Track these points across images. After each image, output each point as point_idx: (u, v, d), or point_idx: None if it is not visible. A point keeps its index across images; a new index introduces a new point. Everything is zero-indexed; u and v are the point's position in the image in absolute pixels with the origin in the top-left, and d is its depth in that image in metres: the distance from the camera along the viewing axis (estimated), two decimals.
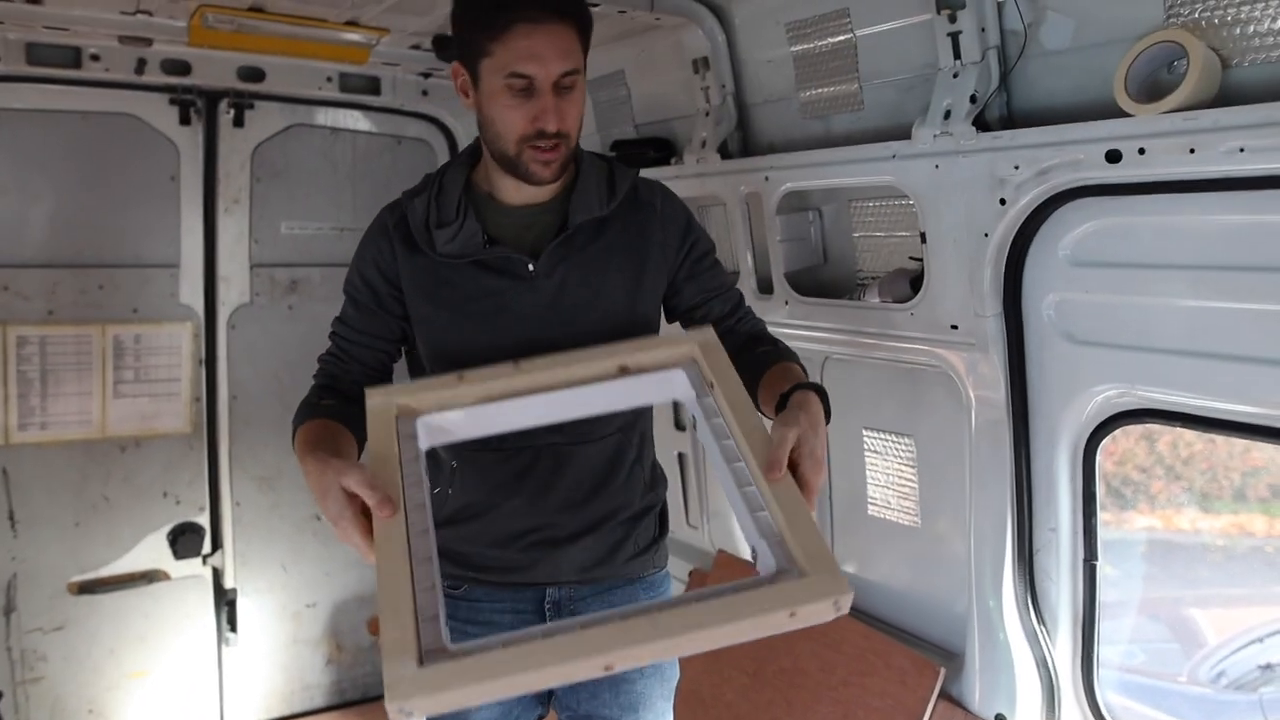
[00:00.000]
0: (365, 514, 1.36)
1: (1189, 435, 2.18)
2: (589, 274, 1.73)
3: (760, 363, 1.69)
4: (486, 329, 1.70)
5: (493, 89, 1.60)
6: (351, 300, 1.79)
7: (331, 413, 1.66)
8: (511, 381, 1.57)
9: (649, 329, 1.81)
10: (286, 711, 3.81)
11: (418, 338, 1.76)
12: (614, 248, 1.75)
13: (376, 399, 1.56)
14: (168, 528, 3.55)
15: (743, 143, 2.78)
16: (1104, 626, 2.16)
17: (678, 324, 1.88)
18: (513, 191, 1.72)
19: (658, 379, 1.60)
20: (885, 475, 2.59)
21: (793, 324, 2.63)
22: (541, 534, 1.80)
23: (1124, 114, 1.74)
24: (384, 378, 1.79)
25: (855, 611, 2.65)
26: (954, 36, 2.04)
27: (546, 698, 1.91)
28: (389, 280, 1.74)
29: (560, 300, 1.71)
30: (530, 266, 1.70)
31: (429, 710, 1.15)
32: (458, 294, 1.70)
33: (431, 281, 1.71)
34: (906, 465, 2.53)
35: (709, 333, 1.62)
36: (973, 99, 2.02)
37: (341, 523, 1.36)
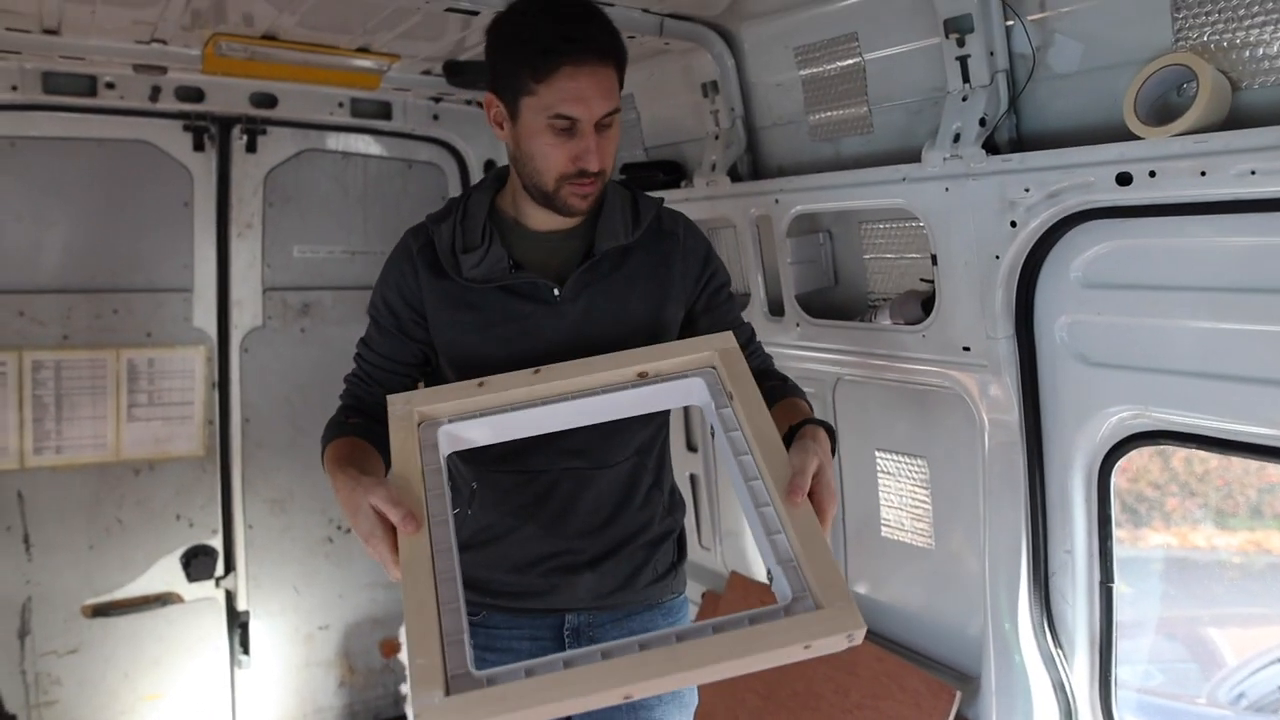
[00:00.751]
0: (394, 530, 1.39)
1: (1203, 452, 2.17)
2: (612, 300, 1.74)
3: (768, 397, 1.70)
4: (511, 353, 1.70)
5: (534, 127, 1.61)
6: (375, 323, 1.81)
7: (358, 431, 1.68)
8: (531, 388, 1.59)
9: None
10: None
11: (442, 361, 1.78)
12: (637, 275, 1.77)
13: (398, 406, 1.59)
14: (181, 550, 3.56)
15: (752, 166, 2.80)
16: (1122, 647, 2.15)
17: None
18: (539, 218, 1.74)
19: (676, 385, 1.62)
20: (898, 497, 2.59)
21: (804, 346, 2.63)
22: (560, 559, 1.81)
23: (1134, 137, 1.75)
24: (381, 385, 1.80)
25: (869, 634, 2.65)
26: (963, 60, 2.05)
27: None
28: (411, 305, 1.75)
29: (584, 326, 1.72)
30: (556, 292, 1.71)
31: None
32: (483, 318, 1.71)
33: (456, 306, 1.72)
34: (919, 487, 2.52)
35: (729, 339, 1.64)
36: (982, 122, 2.03)
37: (372, 540, 1.40)
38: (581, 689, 1.20)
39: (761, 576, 3.03)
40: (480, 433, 1.61)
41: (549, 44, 1.56)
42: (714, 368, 1.62)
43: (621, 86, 1.66)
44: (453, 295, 1.72)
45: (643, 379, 1.62)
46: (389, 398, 1.60)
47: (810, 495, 1.40)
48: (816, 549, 1.32)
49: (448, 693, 1.21)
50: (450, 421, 1.59)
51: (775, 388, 1.75)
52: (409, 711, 3.53)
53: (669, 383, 1.62)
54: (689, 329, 1.86)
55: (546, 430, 1.64)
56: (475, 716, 1.18)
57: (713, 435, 1.64)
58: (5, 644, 3.26)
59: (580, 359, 1.63)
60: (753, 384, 1.57)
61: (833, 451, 1.53)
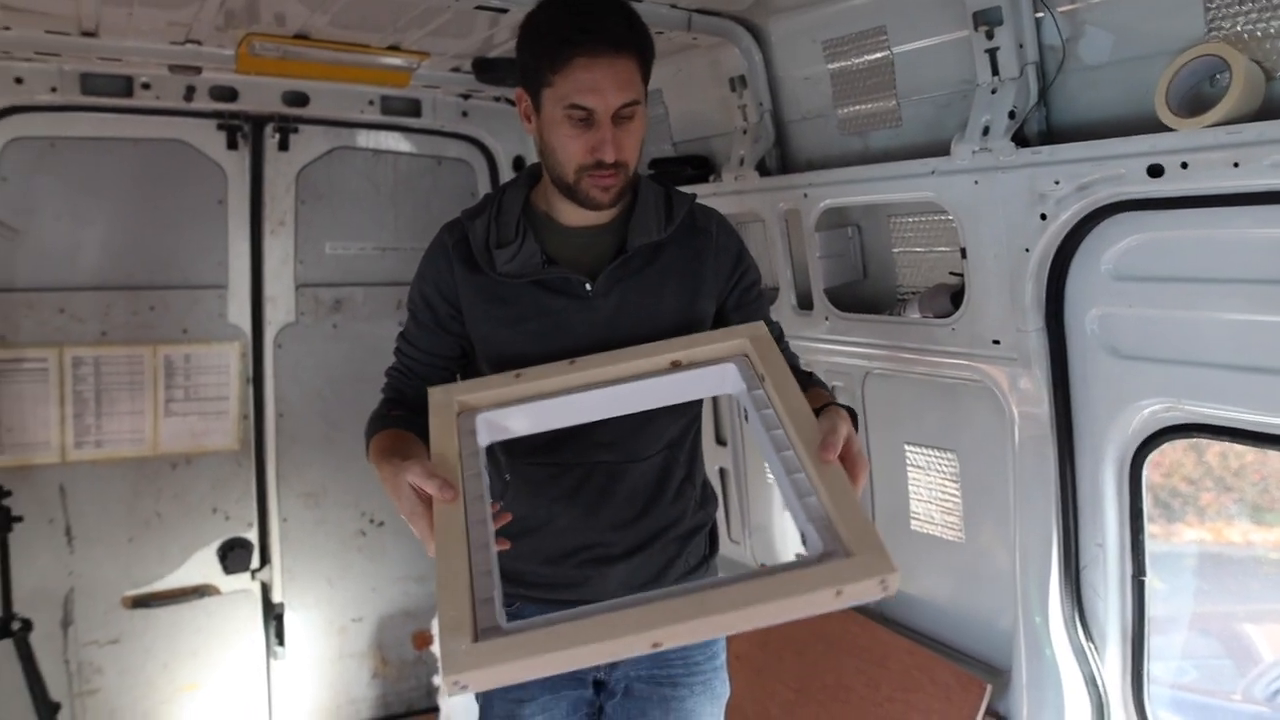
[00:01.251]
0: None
1: (1239, 446, 2.15)
2: (645, 295, 1.76)
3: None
4: (544, 347, 1.73)
5: (553, 118, 1.64)
6: (413, 317, 1.84)
7: (401, 423, 1.72)
8: (567, 377, 1.62)
9: None
10: None
11: (478, 355, 1.80)
12: (670, 271, 1.78)
13: (438, 396, 1.63)
14: (217, 543, 3.62)
15: (781, 160, 2.80)
16: (1154, 642, 2.14)
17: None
18: (572, 213, 1.76)
19: (709, 372, 1.64)
20: (928, 490, 2.58)
21: (833, 340, 2.64)
22: (592, 551, 1.83)
23: (1165, 128, 1.74)
24: (422, 378, 1.83)
25: (899, 627, 2.66)
26: (992, 53, 2.04)
27: (596, 715, 1.93)
28: (447, 300, 1.78)
29: (616, 320, 1.74)
30: (588, 287, 1.73)
31: (481, 683, 1.19)
32: (516, 313, 1.74)
33: (490, 300, 1.75)
34: (949, 480, 2.52)
35: (760, 327, 1.66)
36: (1011, 114, 2.02)
37: (414, 518, 1.44)
38: (610, 634, 1.19)
39: None
40: (517, 421, 1.64)
41: (565, 35, 1.58)
42: (746, 355, 1.63)
43: (646, 79, 1.66)
44: (487, 290, 1.75)
45: (676, 367, 1.64)
46: (430, 389, 1.64)
47: (841, 460, 1.41)
48: (847, 505, 1.31)
49: (475, 641, 1.21)
50: (488, 410, 1.62)
51: (807, 378, 1.76)
52: (441, 704, 3.58)
53: (702, 369, 1.64)
54: (719, 325, 1.87)
55: (583, 419, 1.66)
56: (502, 660, 1.18)
57: (745, 419, 1.65)
58: (49, 634, 3.32)
59: (614, 350, 1.66)
60: (785, 366, 1.59)
61: None
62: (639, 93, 1.64)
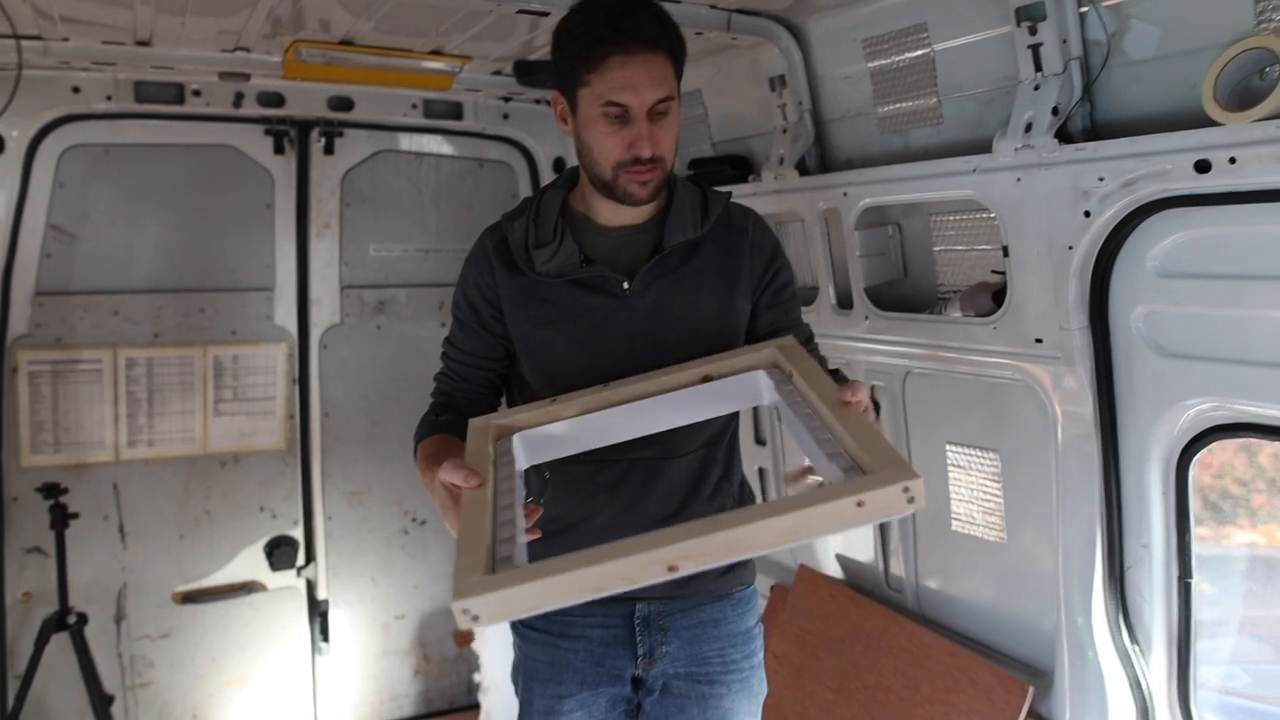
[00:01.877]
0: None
1: None
2: (681, 294, 1.78)
3: None
4: (582, 345, 1.76)
5: (590, 117, 1.67)
6: (458, 321, 1.88)
7: (447, 427, 1.76)
8: (602, 396, 1.66)
9: (735, 346, 1.84)
10: None
11: (518, 353, 1.83)
12: (706, 269, 1.80)
13: (477, 423, 1.67)
14: (264, 540, 3.69)
15: (820, 159, 2.79)
16: (1203, 646, 2.11)
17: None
18: (609, 213, 1.78)
19: (741, 382, 1.66)
20: (970, 490, 2.56)
21: (873, 339, 2.63)
22: None
23: (1213, 123, 1.71)
24: (493, 395, 1.89)
25: (940, 628, 2.64)
26: (1034, 48, 2.03)
27: (635, 712, 1.94)
28: (489, 301, 1.81)
29: (653, 318, 1.76)
30: (625, 286, 1.75)
31: (493, 611, 1.17)
32: (555, 311, 1.76)
33: (530, 300, 1.78)
34: (991, 480, 2.50)
35: (789, 339, 1.69)
36: (1055, 111, 2.00)
37: (446, 512, 1.50)
38: (623, 556, 1.17)
39: (830, 569, 3.03)
40: (554, 442, 1.68)
41: (599, 34, 1.62)
42: (776, 363, 1.66)
43: (679, 75, 1.69)
44: (526, 290, 1.77)
45: (707, 380, 1.67)
46: (470, 421, 1.68)
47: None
48: (869, 437, 1.30)
49: (489, 573, 1.21)
50: (524, 431, 1.66)
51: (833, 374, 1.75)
52: (482, 700, 3.61)
53: (734, 380, 1.66)
54: (750, 323, 1.88)
55: (619, 438, 1.69)
56: (513, 584, 1.17)
57: (779, 419, 1.66)
58: (104, 628, 3.41)
59: (646, 372, 1.68)
60: (812, 360, 1.61)
61: None
62: (673, 88, 1.67)
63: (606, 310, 1.75)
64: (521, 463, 1.64)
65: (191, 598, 3.57)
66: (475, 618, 1.16)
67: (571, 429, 1.67)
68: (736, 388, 1.67)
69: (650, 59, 1.63)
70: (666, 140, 1.69)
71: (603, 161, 1.69)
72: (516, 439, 1.65)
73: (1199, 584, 2.09)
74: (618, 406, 1.65)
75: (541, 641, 1.88)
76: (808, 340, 1.89)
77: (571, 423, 1.66)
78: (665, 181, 1.75)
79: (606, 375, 1.73)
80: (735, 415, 1.93)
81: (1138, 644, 2.14)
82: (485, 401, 1.86)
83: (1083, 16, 1.98)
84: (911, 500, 1.17)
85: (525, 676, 1.90)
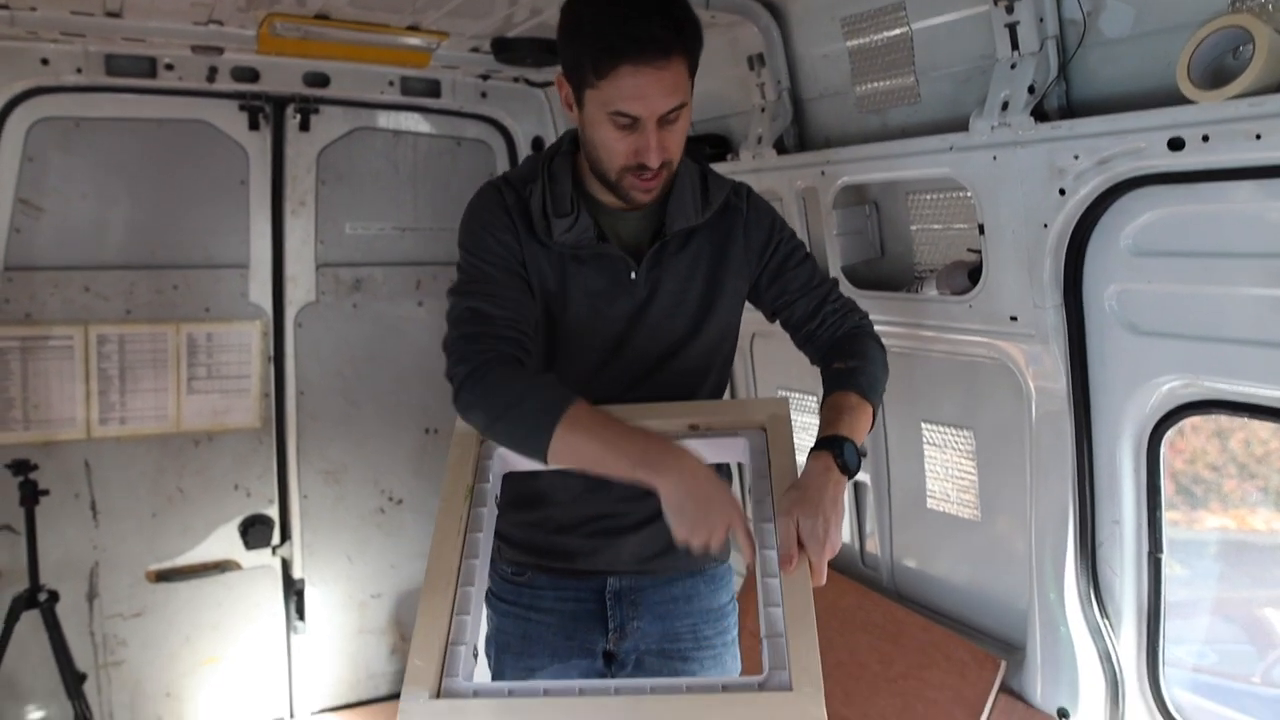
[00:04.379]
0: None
1: (1263, 433, 2.13)
2: (677, 282, 1.77)
3: (827, 387, 1.72)
4: (578, 327, 1.74)
5: (596, 119, 1.60)
6: (488, 266, 1.68)
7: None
8: None
9: (727, 333, 1.85)
10: (353, 699, 3.91)
11: None
12: (701, 254, 1.78)
13: (463, 426, 1.67)
14: (239, 519, 3.67)
15: (799, 138, 2.79)
16: (1175, 626, 2.13)
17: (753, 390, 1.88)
18: (612, 196, 1.73)
19: (723, 441, 1.69)
20: (944, 468, 2.58)
21: None
22: (603, 522, 1.84)
23: (1187, 101, 1.72)
24: (528, 337, 1.68)
25: (914, 604, 2.67)
26: (1011, 27, 2.03)
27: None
28: (515, 254, 1.70)
29: (650, 306, 1.75)
30: (633, 275, 1.74)
31: None
32: (562, 288, 1.73)
33: (544, 270, 1.72)
34: (966, 458, 2.52)
35: (783, 405, 1.70)
36: (1031, 89, 2.01)
37: (736, 522, 1.46)
38: None
39: None
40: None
41: (610, 41, 1.51)
42: (761, 429, 1.67)
43: (694, 73, 1.61)
44: (543, 258, 1.72)
45: (693, 431, 1.68)
46: (457, 424, 1.66)
47: (805, 543, 1.44)
48: (802, 626, 1.37)
49: (434, 697, 1.32)
50: None
51: (834, 375, 1.72)
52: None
53: (717, 438, 1.68)
54: (758, 300, 1.88)
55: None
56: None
57: (748, 494, 1.68)
58: (76, 606, 3.38)
59: (639, 405, 1.69)
60: (792, 457, 1.61)
61: (845, 466, 1.54)
62: (686, 94, 1.58)
63: (609, 295, 1.74)
64: (500, 469, 1.66)
65: (165, 576, 3.54)
66: None
67: None
68: (718, 446, 1.70)
69: (663, 68, 1.52)
70: (675, 144, 1.63)
71: (607, 162, 1.64)
72: (499, 453, 1.66)
73: (1171, 566, 2.12)
74: None
75: (513, 615, 1.88)
76: (820, 305, 1.83)
77: None
78: (670, 181, 1.71)
79: (602, 357, 1.74)
80: (720, 390, 1.93)
81: (1108, 619, 2.17)
82: (528, 350, 1.68)
83: None
84: None
85: (497, 649, 1.90)
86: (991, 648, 2.41)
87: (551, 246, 1.71)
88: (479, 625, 1.46)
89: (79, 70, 3.12)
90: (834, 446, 1.55)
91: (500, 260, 1.68)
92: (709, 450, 1.68)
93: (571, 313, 1.74)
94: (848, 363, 1.74)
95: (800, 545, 1.44)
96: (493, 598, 1.90)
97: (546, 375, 1.65)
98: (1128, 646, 2.15)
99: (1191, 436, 2.15)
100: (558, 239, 1.70)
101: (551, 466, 1.54)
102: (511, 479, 1.79)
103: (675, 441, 1.52)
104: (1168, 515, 2.09)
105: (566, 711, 1.32)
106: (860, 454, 1.58)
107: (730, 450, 1.71)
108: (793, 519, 1.45)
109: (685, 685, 1.36)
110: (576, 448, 1.49)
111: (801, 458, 1.59)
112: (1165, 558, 2.10)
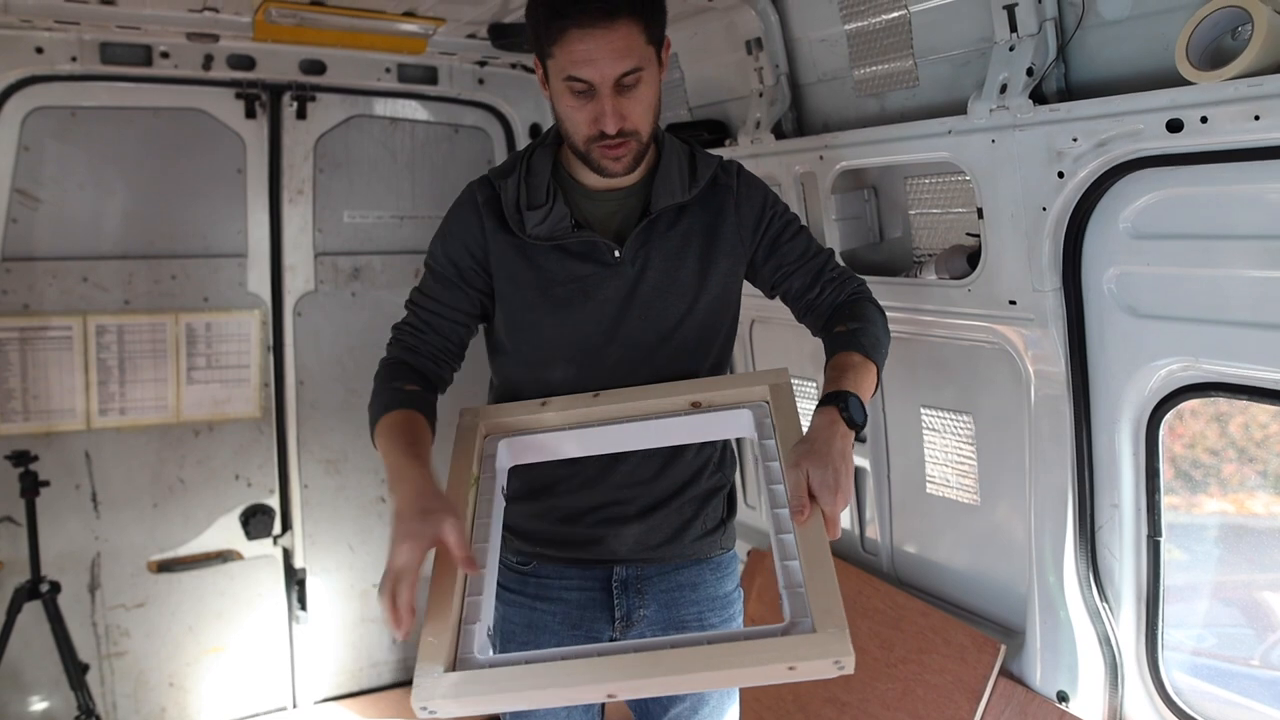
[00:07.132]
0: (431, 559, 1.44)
1: (1263, 417, 2.13)
2: (668, 259, 1.75)
3: (829, 350, 1.71)
4: (568, 313, 1.73)
5: (557, 90, 1.62)
6: (433, 273, 1.80)
7: (413, 400, 1.66)
8: (590, 410, 1.69)
9: (724, 311, 1.84)
10: (355, 688, 3.92)
11: (498, 315, 1.79)
12: (692, 231, 1.77)
13: (466, 419, 1.68)
14: (240, 509, 3.68)
15: (797, 122, 2.78)
16: (1174, 610, 2.13)
17: (752, 363, 1.89)
18: (594, 177, 1.74)
19: (726, 416, 1.69)
20: (944, 453, 2.58)
21: None
22: (608, 511, 1.84)
23: (1185, 82, 1.71)
24: (460, 351, 1.81)
25: (914, 589, 2.67)
26: (1010, 9, 2.02)
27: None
28: (474, 256, 1.75)
29: (640, 286, 1.74)
30: (616, 254, 1.73)
31: (451, 710, 1.28)
32: (543, 277, 1.73)
33: (518, 262, 1.73)
34: (965, 443, 2.52)
35: (783, 375, 1.70)
36: (1029, 72, 2.00)
37: (402, 576, 1.38)
38: (570, 680, 1.28)
39: None
40: (539, 449, 1.71)
41: (556, 6, 1.54)
42: (765, 402, 1.67)
43: (656, 40, 1.61)
44: (515, 251, 1.73)
45: (695, 409, 1.69)
46: (461, 410, 1.67)
47: (817, 496, 1.43)
48: (820, 572, 1.36)
49: (448, 670, 1.30)
50: (512, 436, 1.70)
51: (837, 337, 1.72)
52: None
53: (720, 413, 1.68)
54: (755, 276, 1.87)
55: (602, 450, 1.72)
56: (470, 693, 1.27)
57: (756, 463, 1.68)
58: (78, 597, 3.40)
59: (639, 386, 1.70)
60: (797, 420, 1.61)
61: (852, 420, 1.53)
62: (640, 58, 1.58)
63: (596, 278, 1.73)
64: (505, 462, 1.67)
65: (167, 566, 3.55)
66: (433, 713, 1.28)
67: (560, 439, 1.71)
68: (722, 421, 1.70)
69: (612, 30, 1.53)
70: (637, 111, 1.62)
71: (573, 134, 1.65)
72: (503, 445, 1.67)
73: (1170, 550, 2.12)
74: (608, 425, 1.70)
75: (518, 604, 1.88)
76: (818, 275, 1.83)
77: (560, 433, 1.71)
78: (643, 152, 1.70)
79: (599, 341, 1.73)
80: (722, 370, 1.91)
81: (1107, 602, 2.17)
82: (452, 357, 1.79)
83: None
84: (841, 669, 1.27)
85: (502, 638, 1.90)
86: (991, 632, 2.41)
87: (524, 239, 1.72)
88: (491, 607, 1.44)
89: (74, 59, 3.11)
90: (839, 401, 1.55)
91: (444, 268, 1.77)
92: (715, 427, 1.69)
93: (552, 302, 1.73)
94: (849, 325, 1.74)
95: (811, 497, 1.44)
96: (499, 588, 1.90)
97: (394, 382, 1.70)
98: (1127, 630, 2.15)
99: (1191, 421, 2.14)
100: (531, 231, 1.71)
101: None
102: (517, 470, 1.80)
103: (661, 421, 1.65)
104: (1167, 500, 2.09)
105: (588, 667, 1.29)
106: (865, 412, 1.57)
107: (734, 425, 1.70)
108: (802, 470, 1.45)
109: (706, 639, 1.34)
110: (386, 461, 1.57)
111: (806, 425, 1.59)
112: (1164, 541, 2.10)
